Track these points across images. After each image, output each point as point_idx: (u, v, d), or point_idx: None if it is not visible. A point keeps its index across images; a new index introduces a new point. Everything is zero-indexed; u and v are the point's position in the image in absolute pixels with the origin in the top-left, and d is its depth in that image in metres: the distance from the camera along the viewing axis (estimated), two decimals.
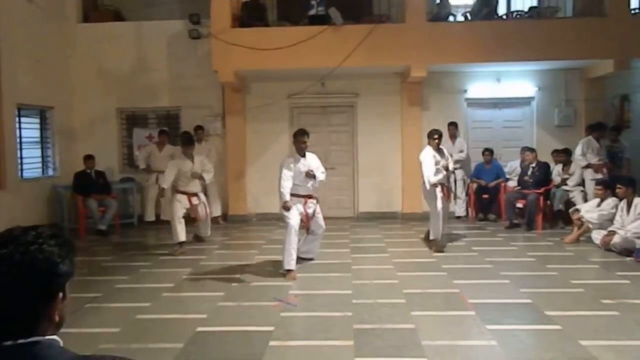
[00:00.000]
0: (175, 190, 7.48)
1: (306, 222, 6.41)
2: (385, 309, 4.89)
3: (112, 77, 10.37)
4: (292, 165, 6.25)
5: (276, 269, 6.30)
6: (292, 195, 6.23)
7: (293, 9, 9.83)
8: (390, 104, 10.24)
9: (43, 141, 9.80)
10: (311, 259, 6.80)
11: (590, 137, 9.05)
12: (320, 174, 6.46)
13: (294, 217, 6.15)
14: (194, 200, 7.52)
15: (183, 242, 7.38)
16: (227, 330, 4.40)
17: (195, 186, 7.58)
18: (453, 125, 9.87)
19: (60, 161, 9.95)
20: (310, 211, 6.42)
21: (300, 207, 6.31)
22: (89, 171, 9.31)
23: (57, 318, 1.18)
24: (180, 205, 7.41)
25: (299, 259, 6.43)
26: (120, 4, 10.92)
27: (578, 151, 8.98)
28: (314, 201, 6.49)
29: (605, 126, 9.29)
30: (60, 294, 1.17)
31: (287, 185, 6.15)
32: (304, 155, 6.37)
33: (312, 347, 4.06)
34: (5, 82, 8.10)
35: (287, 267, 6.06)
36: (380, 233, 8.79)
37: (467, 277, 5.93)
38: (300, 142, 6.34)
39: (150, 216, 9.81)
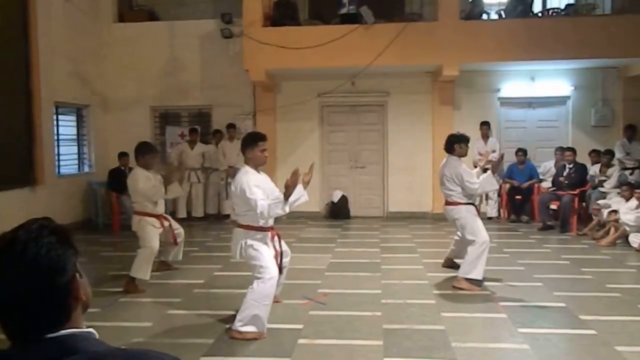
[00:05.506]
0: (144, 213, 5.75)
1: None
2: (415, 310, 4.86)
3: (146, 76, 10.55)
4: (255, 181, 4.56)
5: (304, 267, 6.31)
6: (256, 228, 4.38)
7: (324, 8, 9.86)
8: (421, 103, 10.15)
9: (79, 138, 10.06)
10: None
11: (624, 138, 9.28)
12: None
13: (271, 264, 4.26)
14: (165, 223, 5.95)
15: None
16: None
17: (162, 206, 6.06)
18: (486, 125, 9.76)
19: (95, 158, 10.21)
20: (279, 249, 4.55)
21: (270, 244, 4.43)
22: (123, 168, 9.48)
23: (83, 297, 1.19)
24: (156, 232, 5.75)
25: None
26: (155, 3, 11.11)
27: (617, 155, 9.22)
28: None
29: (634, 127, 9.44)
30: (77, 274, 1.18)
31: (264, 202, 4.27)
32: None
33: (341, 346, 4.06)
34: (44, 80, 8.33)
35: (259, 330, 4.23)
36: (410, 233, 8.72)
37: (498, 279, 5.84)
38: (261, 148, 4.73)
39: (181, 213, 9.95)
